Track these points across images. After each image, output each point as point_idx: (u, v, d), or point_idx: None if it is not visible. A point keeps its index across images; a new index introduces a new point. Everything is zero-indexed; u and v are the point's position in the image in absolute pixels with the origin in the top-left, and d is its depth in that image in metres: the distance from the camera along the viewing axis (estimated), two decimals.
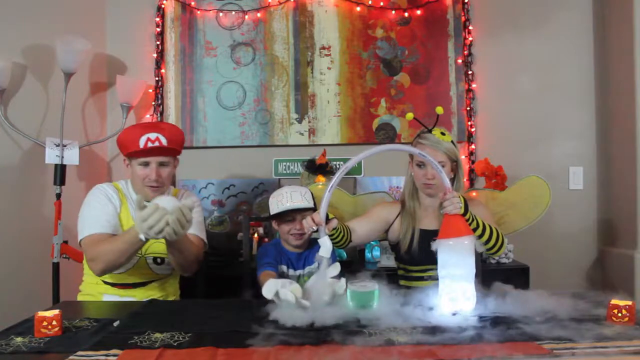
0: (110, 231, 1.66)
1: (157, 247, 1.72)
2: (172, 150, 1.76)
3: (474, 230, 1.52)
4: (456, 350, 1.00)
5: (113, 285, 1.71)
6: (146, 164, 1.71)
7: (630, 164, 2.54)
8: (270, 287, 1.31)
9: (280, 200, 1.76)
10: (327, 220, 1.46)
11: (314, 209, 1.82)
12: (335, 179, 1.37)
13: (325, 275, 1.37)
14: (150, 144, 1.68)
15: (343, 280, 1.35)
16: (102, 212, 1.69)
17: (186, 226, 1.43)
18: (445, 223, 1.39)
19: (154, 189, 1.72)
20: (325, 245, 1.38)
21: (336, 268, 1.40)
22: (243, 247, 2.20)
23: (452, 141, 1.73)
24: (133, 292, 1.71)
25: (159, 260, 1.75)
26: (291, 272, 1.81)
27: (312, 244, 1.84)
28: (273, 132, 2.86)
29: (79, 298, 1.76)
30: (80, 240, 1.66)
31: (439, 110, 1.65)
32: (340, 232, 1.58)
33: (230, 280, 2.15)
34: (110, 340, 1.09)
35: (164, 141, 1.70)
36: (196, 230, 1.77)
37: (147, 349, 1.03)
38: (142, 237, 1.44)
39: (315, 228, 1.43)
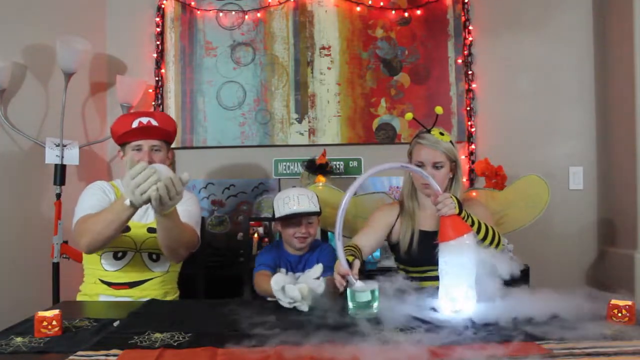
0: None
1: (152, 242, 1.72)
2: (164, 133, 1.76)
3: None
4: (456, 350, 1.00)
5: (109, 284, 1.71)
6: (139, 148, 1.72)
7: (630, 164, 2.53)
8: (278, 280, 1.33)
9: (288, 203, 1.75)
10: (349, 264, 1.39)
11: (320, 213, 1.81)
12: (342, 210, 1.33)
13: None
14: (141, 126, 1.72)
15: (322, 279, 1.36)
16: (96, 200, 1.69)
17: (175, 198, 1.40)
18: (442, 225, 1.39)
19: None
20: (360, 289, 1.30)
21: (318, 269, 1.38)
22: (243, 247, 2.19)
23: (450, 141, 1.73)
24: (129, 292, 1.70)
25: (154, 256, 1.74)
26: (290, 274, 1.80)
27: (313, 247, 1.84)
28: (273, 132, 2.86)
29: (79, 298, 1.76)
30: (74, 227, 1.65)
31: (439, 110, 1.65)
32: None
33: (230, 280, 2.16)
34: (110, 340, 1.08)
35: (155, 123, 1.73)
36: (190, 221, 1.73)
37: (147, 349, 1.03)
38: (128, 201, 1.40)
39: (345, 283, 1.38)
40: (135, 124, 1.72)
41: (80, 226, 1.61)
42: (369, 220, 1.84)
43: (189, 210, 1.76)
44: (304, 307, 1.31)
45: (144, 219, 1.76)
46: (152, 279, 1.74)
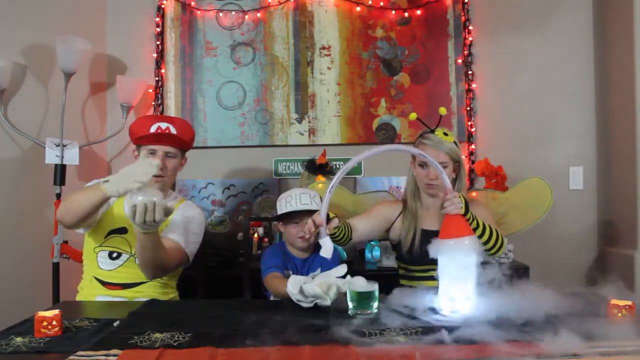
0: None
1: None
2: (180, 141, 1.79)
3: (474, 230, 1.52)
4: (456, 350, 1.00)
5: (103, 284, 1.71)
6: (153, 153, 1.75)
7: (630, 164, 2.53)
8: (295, 282, 1.32)
9: (289, 201, 1.76)
10: (328, 220, 1.45)
11: None
12: (336, 179, 1.37)
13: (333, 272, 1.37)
14: (159, 131, 1.74)
15: (348, 277, 1.36)
16: None
17: (151, 224, 1.40)
18: (445, 223, 1.39)
19: (157, 178, 1.73)
20: (326, 246, 1.38)
21: (343, 269, 1.39)
22: (243, 247, 2.19)
23: (454, 141, 1.73)
24: (122, 292, 1.70)
25: None
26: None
27: (317, 249, 1.84)
28: (273, 132, 2.86)
29: (77, 298, 1.76)
30: None
31: (442, 111, 1.65)
32: (342, 230, 1.58)
33: (230, 280, 2.16)
34: (110, 340, 1.08)
35: (173, 131, 1.76)
36: (181, 240, 1.72)
37: (147, 349, 1.03)
38: (103, 180, 1.44)
39: (313, 229, 1.43)
40: (153, 129, 1.75)
41: (63, 200, 1.66)
42: (369, 209, 1.86)
43: (187, 229, 1.76)
44: (327, 302, 1.31)
45: None
46: (145, 282, 1.73)
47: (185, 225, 1.75)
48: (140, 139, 1.75)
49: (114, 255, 1.72)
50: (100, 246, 1.73)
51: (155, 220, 1.40)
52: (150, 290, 1.73)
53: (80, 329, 1.19)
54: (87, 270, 1.76)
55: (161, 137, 1.74)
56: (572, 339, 1.04)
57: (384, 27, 2.87)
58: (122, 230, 1.73)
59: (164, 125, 1.75)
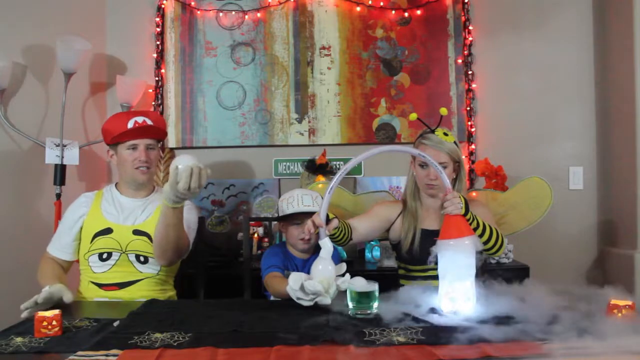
0: (61, 256, 1.79)
1: (139, 244, 1.72)
2: (159, 132, 1.83)
3: (474, 230, 1.52)
4: (456, 350, 1.00)
5: (100, 286, 1.71)
6: (134, 147, 1.76)
7: (630, 164, 2.53)
8: (296, 279, 1.32)
9: (291, 203, 1.75)
10: (328, 220, 1.46)
11: None
12: (335, 180, 1.37)
13: (328, 264, 1.38)
14: (138, 126, 1.76)
15: (347, 276, 1.36)
16: (64, 231, 1.80)
17: (193, 189, 1.46)
18: (445, 223, 1.39)
19: (144, 171, 1.77)
20: (326, 247, 1.38)
21: (341, 268, 1.40)
22: (243, 247, 2.19)
23: (455, 142, 1.73)
24: (118, 293, 1.70)
25: (142, 258, 1.73)
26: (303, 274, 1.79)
27: (317, 250, 1.83)
28: (273, 132, 2.86)
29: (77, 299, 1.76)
30: (47, 248, 1.83)
31: (443, 111, 1.65)
32: (341, 230, 1.58)
33: (230, 280, 2.16)
34: (110, 340, 1.09)
35: (150, 123, 1.78)
36: (184, 226, 1.74)
37: (147, 349, 1.03)
38: (48, 286, 1.45)
39: (313, 229, 1.43)
40: (131, 124, 1.75)
41: (41, 259, 1.80)
42: (369, 210, 1.86)
43: (186, 217, 1.76)
44: (327, 300, 1.31)
45: (129, 222, 1.76)
46: (141, 279, 1.73)
47: (185, 214, 1.75)
48: (120, 136, 1.76)
49: (104, 256, 1.72)
50: (89, 251, 1.73)
51: (199, 186, 1.44)
52: (147, 288, 1.73)
53: (80, 329, 1.19)
54: (83, 276, 1.77)
55: (141, 131, 1.76)
56: (573, 339, 1.04)
57: (384, 27, 2.87)
58: (108, 231, 1.73)
59: (140, 119, 1.77)
